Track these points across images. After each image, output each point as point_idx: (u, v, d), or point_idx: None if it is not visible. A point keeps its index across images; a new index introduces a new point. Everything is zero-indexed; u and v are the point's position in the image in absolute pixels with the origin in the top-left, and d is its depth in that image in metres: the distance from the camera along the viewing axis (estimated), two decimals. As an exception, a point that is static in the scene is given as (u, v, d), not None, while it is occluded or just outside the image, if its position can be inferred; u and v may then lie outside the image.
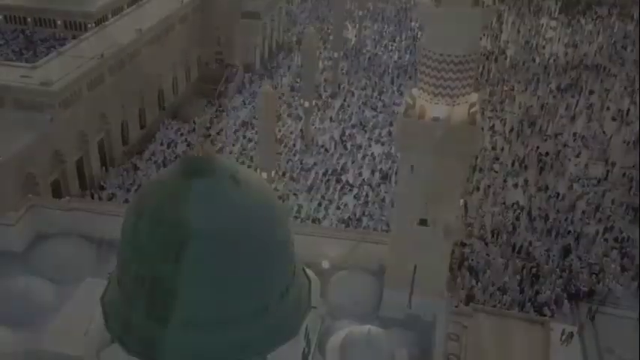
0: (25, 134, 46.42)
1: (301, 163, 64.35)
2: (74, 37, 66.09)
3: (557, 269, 49.70)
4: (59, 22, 73.20)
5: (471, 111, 29.21)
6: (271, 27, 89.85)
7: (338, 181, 61.52)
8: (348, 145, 67.89)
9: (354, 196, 58.88)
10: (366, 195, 59.25)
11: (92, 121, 55.79)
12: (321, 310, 34.12)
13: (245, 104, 77.17)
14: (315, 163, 64.41)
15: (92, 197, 54.89)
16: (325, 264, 38.06)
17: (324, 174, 62.58)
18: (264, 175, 51.91)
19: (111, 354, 26.12)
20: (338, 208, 57.35)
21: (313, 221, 54.85)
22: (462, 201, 52.60)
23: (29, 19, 74.64)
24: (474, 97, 30.08)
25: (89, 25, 69.81)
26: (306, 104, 65.49)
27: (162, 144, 66.56)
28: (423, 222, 31.22)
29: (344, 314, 34.92)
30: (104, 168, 59.68)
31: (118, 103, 59.86)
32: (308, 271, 31.24)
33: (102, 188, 57.37)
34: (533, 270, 49.67)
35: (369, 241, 35.82)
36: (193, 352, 25.13)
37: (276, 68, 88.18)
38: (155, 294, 25.04)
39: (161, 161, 62.97)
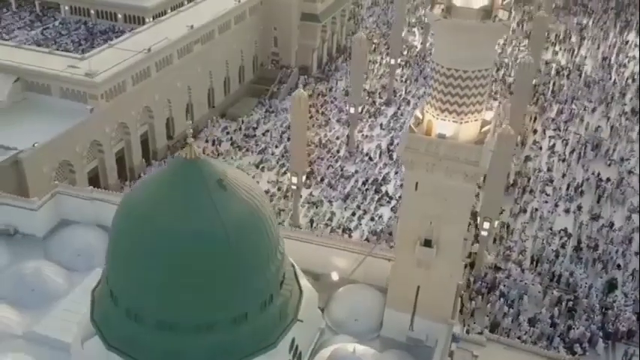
0: (64, 122, 48.79)
1: (342, 170, 64.14)
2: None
3: (597, 305, 47.01)
4: (119, 16, 76.61)
5: (483, 130, 28.16)
6: (332, 30, 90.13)
7: (377, 191, 60.92)
8: (394, 155, 67.03)
9: (391, 209, 58.07)
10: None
11: (135, 114, 57.87)
12: (321, 323, 34.10)
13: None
14: (356, 171, 64.05)
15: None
16: (334, 276, 37.76)
17: (364, 183, 62.11)
18: (294, 179, 52.17)
19: (93, 345, 27.11)
20: (372, 219, 56.75)
21: (344, 231, 54.55)
22: (498, 223, 50.95)
23: (92, 11, 78.59)
24: (488, 115, 29.01)
25: (147, 20, 72.50)
26: (352, 110, 65.23)
27: (206, 141, 68.21)
28: (427, 243, 30.37)
29: (344, 330, 34.55)
30: (145, 161, 61.73)
31: (163, 97, 61.78)
32: (303, 282, 31.22)
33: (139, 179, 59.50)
34: (570, 303, 47.26)
35: (377, 256, 35.14)
36: (168, 353, 25.64)
37: (333, 72, 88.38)
38: (135, 294, 25.81)
39: (203, 158, 64.44)
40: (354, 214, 57.37)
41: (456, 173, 27.76)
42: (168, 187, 25.66)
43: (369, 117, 75.55)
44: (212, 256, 24.63)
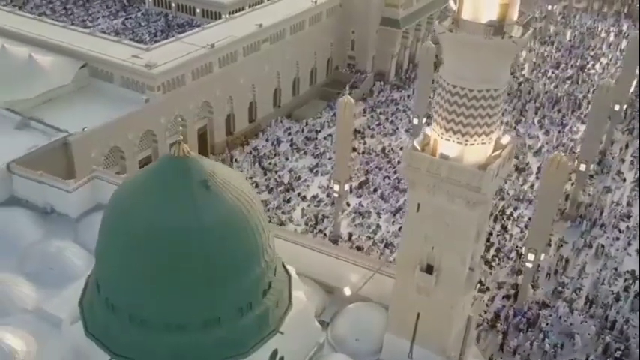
0: (119, 110, 51.35)
1: (398, 183, 62.97)
2: (208, 26, 71.32)
3: (650, 359, 43.18)
4: (198, 10, 79.55)
5: (493, 154, 26.67)
6: (416, 37, 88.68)
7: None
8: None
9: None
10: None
11: (194, 108, 59.86)
12: (320, 337, 33.67)
13: (365, 112, 77.28)
14: (413, 186, 62.59)
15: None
16: (347, 291, 37.22)
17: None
18: (336, 187, 51.82)
19: (76, 329, 28.34)
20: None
21: (386, 246, 53.55)
22: (547, 255, 48.05)
23: (173, 4, 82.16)
24: (505, 139, 27.45)
25: (223, 16, 74.75)
26: (415, 121, 63.85)
27: (267, 140, 69.37)
28: (429, 268, 29.22)
29: (344, 348, 34.03)
30: (203, 155, 63.53)
31: (225, 94, 63.45)
32: (298, 294, 31.02)
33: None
34: (619, 353, 43.72)
35: (386, 274, 34.23)
36: (137, 346, 26.30)
37: (412, 80, 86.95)
38: (112, 285, 26.71)
39: (260, 156, 65.65)
40: (401, 229, 56.12)
41: (458, 198, 26.54)
42: (152, 184, 26.35)
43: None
44: (185, 256, 24.99)
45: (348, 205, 58.00)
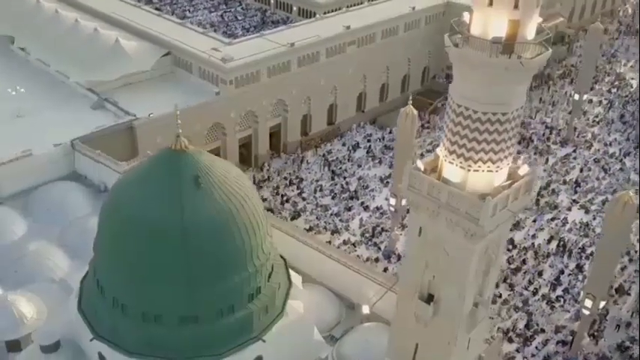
0: (190, 100, 53.45)
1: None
2: (302, 24, 72.27)
3: None
4: (294, 8, 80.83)
5: (501, 184, 24.87)
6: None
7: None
8: (543, 201, 61.23)
9: (507, 260, 53.33)
10: (523, 261, 53.22)
11: (267, 105, 60.99)
12: (322, 352, 33.33)
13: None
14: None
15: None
16: (365, 309, 36.59)
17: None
18: (392, 201, 50.64)
19: (73, 303, 30.02)
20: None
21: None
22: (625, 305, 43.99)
23: (272, 1, 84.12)
24: (523, 169, 25.50)
25: (318, 15, 75.43)
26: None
27: (344, 144, 69.18)
28: (429, 298, 27.82)
29: (346, 369, 33.25)
30: (274, 152, 64.85)
31: (302, 94, 64.04)
32: (296, 304, 30.87)
33: (261, 169, 62.74)
34: None
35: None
36: (118, 331, 27.27)
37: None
38: (102, 270, 27.89)
39: (332, 160, 65.61)
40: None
41: (457, 227, 25.00)
42: (147, 174, 27.32)
43: (535, 153, 69.87)
44: (165, 250, 25.63)
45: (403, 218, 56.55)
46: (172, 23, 67.05)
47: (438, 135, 73.53)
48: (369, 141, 70.55)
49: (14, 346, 32.12)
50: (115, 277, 26.95)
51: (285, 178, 62.04)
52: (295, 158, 65.19)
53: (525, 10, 21.96)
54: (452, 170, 25.15)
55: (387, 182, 62.86)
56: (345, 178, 63.05)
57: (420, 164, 25.96)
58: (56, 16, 65.17)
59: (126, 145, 50.42)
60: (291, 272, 33.10)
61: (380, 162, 66.52)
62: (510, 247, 54.23)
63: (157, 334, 26.63)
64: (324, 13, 75.36)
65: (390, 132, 72.36)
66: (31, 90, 55.10)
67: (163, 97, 55.16)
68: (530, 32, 22.52)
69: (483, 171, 24.59)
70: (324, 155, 66.85)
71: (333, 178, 62.75)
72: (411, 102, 47.65)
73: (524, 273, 52.02)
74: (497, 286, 49.58)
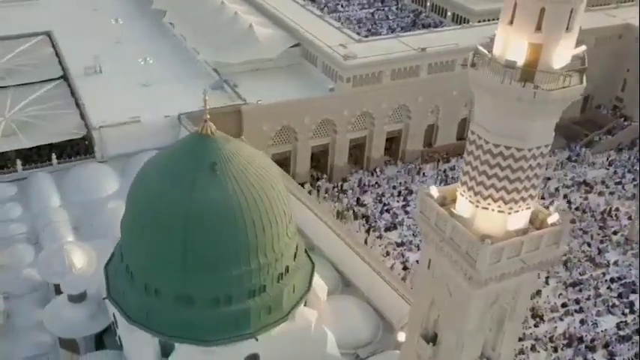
0: (305, 93, 54.51)
1: (599, 254, 54.87)
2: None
3: None
4: (449, 13, 78.32)
5: (513, 228, 22.47)
6: None
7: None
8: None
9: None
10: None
11: (387, 109, 60.05)
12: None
13: (610, 165, 67.82)
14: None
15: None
16: (401, 337, 35.07)
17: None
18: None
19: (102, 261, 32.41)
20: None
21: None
22: None
23: (428, 3, 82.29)
24: (553, 217, 22.80)
25: (470, 22, 72.59)
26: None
27: (452, 168, 65.58)
28: (434, 337, 26.06)
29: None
30: (390, 158, 63.97)
31: (430, 102, 62.14)
32: (308, 312, 30.65)
33: (372, 173, 62.15)
34: None
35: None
36: (148, 315, 28.50)
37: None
38: (129, 255, 29.49)
39: (452, 178, 62.90)
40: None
41: (457, 266, 23.10)
42: (172, 156, 28.57)
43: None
44: (169, 233, 26.68)
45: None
46: (312, 15, 68.52)
47: (584, 171, 67.65)
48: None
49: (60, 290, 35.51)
50: (128, 250, 28.74)
51: (394, 187, 60.86)
52: (412, 169, 63.62)
53: (550, 33, 19.53)
54: (462, 203, 23.22)
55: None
56: (457, 198, 60.20)
57: (434, 191, 24.22)
58: (207, -3, 69.58)
59: (232, 127, 52.37)
60: (319, 282, 32.82)
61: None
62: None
63: (155, 308, 27.87)
64: (479, 21, 72.36)
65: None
66: (165, 62, 59.74)
67: (282, 87, 57.01)
68: (558, 60, 19.97)
69: (493, 210, 22.37)
70: (445, 171, 64.38)
71: (445, 197, 60.26)
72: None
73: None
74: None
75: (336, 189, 59.84)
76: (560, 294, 49.90)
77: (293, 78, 59.57)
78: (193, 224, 26.56)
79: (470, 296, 23.30)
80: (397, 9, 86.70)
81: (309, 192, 58.37)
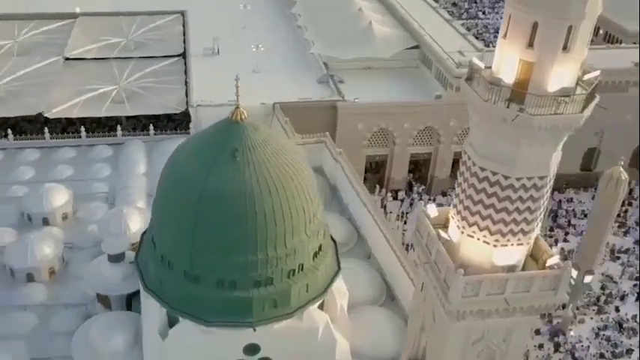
0: (405, 96, 53.63)
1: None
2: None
3: None
4: (600, 32, 72.04)
5: (501, 264, 20.87)
6: None
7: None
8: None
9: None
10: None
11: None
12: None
13: None
14: None
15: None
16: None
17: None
18: (574, 272, 43.81)
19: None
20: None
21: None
22: None
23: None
24: (553, 259, 20.97)
25: (624, 43, 66.99)
26: None
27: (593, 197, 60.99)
28: (421, 363, 25.06)
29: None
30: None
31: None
32: (320, 315, 30.69)
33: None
34: None
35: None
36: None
37: None
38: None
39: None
40: None
41: (435, 292, 21.98)
42: (202, 140, 29.60)
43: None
44: (183, 207, 27.84)
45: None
46: (441, 19, 66.88)
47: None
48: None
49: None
50: (153, 222, 30.50)
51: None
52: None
53: (543, 51, 18.02)
54: (453, 227, 22.05)
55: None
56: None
57: (431, 210, 23.13)
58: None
59: (327, 122, 53.15)
60: (341, 288, 32.38)
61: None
62: None
63: (167, 280, 29.08)
64: (633, 42, 66.30)
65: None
66: (279, 51, 61.68)
67: (387, 88, 56.62)
68: (553, 83, 18.26)
69: (478, 239, 21.00)
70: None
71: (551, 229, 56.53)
72: (622, 163, 40.18)
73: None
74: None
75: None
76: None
77: (403, 80, 58.87)
78: (205, 205, 27.36)
79: (446, 328, 22.07)
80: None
81: (402, 200, 57.45)
